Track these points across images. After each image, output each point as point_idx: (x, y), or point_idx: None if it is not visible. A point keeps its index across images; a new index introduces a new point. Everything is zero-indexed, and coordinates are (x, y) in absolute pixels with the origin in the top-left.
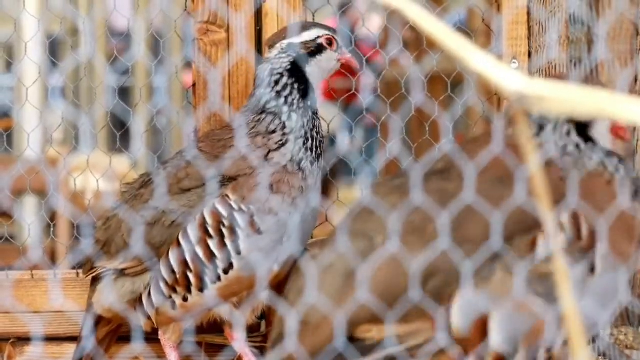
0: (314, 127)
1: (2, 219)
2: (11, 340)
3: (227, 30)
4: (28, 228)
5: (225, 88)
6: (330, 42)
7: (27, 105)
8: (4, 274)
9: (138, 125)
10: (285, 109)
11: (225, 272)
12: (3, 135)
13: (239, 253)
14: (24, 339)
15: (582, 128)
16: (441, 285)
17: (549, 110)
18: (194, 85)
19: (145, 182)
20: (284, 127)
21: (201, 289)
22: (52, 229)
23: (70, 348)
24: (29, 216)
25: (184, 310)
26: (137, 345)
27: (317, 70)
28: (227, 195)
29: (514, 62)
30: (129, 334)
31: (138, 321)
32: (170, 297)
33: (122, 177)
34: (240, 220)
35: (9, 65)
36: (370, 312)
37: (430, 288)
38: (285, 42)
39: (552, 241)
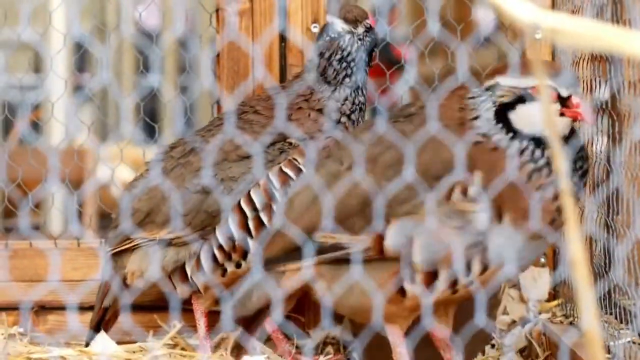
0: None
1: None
2: (34, 309)
3: (251, 1)
4: (52, 197)
5: (249, 58)
6: None
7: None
8: (27, 243)
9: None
10: (360, 84)
11: None
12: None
13: None
14: (47, 308)
15: (504, 110)
16: (386, 207)
17: (564, 42)
18: (217, 55)
19: (188, 149)
20: (356, 97)
21: None
22: (77, 201)
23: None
24: (58, 205)
25: (233, 277)
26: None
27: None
28: (295, 159)
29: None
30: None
31: (174, 289)
32: (222, 264)
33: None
34: None
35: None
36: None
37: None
38: (368, 21)
39: (561, 183)
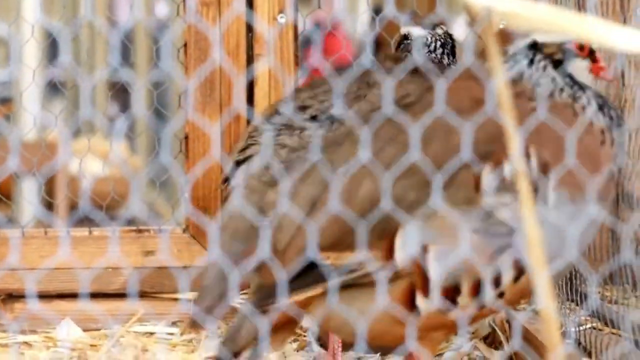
0: None
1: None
2: (1, 297)
3: None
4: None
5: (215, 48)
6: None
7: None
8: None
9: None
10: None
11: None
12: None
13: None
14: (14, 296)
15: (559, 64)
16: (389, 215)
17: (516, 27)
18: (185, 45)
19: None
20: None
21: None
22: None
23: (61, 305)
24: (29, 197)
25: None
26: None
27: None
28: None
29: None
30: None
31: None
32: None
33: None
34: None
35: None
36: (330, 238)
37: (378, 217)
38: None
39: (515, 164)
